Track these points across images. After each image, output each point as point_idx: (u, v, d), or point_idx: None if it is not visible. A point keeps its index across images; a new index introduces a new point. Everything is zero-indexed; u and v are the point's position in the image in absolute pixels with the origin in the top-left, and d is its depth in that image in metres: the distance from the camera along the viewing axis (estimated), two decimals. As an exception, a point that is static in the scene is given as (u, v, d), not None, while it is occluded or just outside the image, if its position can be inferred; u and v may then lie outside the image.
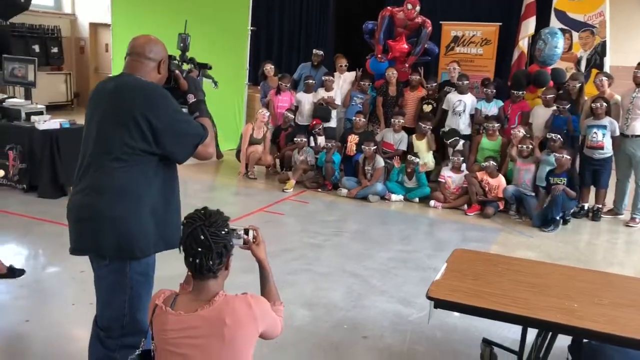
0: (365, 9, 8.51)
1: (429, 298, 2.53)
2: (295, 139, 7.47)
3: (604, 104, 6.28)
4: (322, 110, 7.88)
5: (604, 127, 6.26)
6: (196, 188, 7.27)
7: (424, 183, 6.87)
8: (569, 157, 5.98)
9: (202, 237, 1.86)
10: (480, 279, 2.72)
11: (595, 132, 6.28)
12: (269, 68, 8.50)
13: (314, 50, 8.50)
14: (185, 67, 2.73)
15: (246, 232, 2.14)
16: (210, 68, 2.87)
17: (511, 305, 2.45)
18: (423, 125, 7.07)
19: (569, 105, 6.52)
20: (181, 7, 9.63)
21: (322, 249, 5.07)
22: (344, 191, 7.00)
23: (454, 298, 2.52)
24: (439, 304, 2.54)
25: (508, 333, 3.49)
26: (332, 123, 7.96)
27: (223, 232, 1.90)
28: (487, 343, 3.26)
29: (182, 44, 2.77)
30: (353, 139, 7.28)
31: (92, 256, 2.30)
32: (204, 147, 2.38)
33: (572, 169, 6.09)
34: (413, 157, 6.78)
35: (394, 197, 6.87)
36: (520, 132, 6.54)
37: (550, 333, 2.49)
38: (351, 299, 4.07)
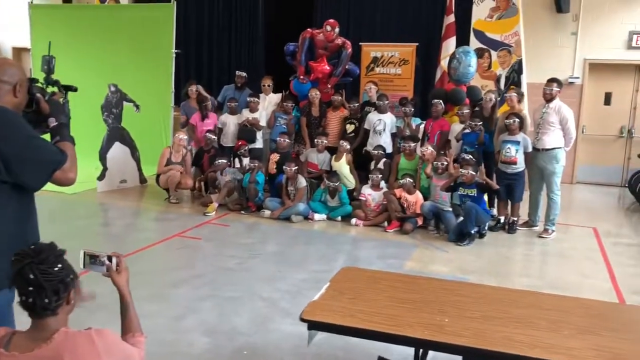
0: (296, 31, 8.55)
1: (302, 320, 2.50)
2: (215, 162, 7.39)
3: (517, 120, 6.48)
4: (246, 132, 7.85)
5: (517, 142, 6.46)
6: (114, 215, 7.07)
7: (346, 202, 6.90)
8: (473, 172, 6.12)
9: (31, 276, 1.75)
10: (358, 297, 2.71)
11: (509, 148, 6.47)
12: (193, 89, 8.43)
13: (237, 72, 8.51)
14: (50, 89, 2.63)
15: (109, 258, 2.05)
16: (75, 90, 2.75)
17: (382, 323, 2.45)
18: (341, 144, 7.18)
19: (480, 123, 6.70)
20: (103, 31, 9.51)
21: (234, 273, 4.98)
22: (267, 212, 6.95)
23: (326, 319, 2.49)
24: (313, 325, 2.50)
25: (408, 349, 3.48)
26: (258, 144, 7.94)
27: (56, 269, 1.80)
28: (382, 361, 3.25)
29: (46, 67, 2.67)
30: (274, 158, 7.28)
31: None
32: (62, 173, 2.27)
33: (482, 182, 6.22)
34: (329, 182, 6.81)
35: (317, 216, 6.87)
36: (428, 149, 6.68)
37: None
38: (255, 323, 3.99)
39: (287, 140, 7.48)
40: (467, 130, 6.73)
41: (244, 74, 8.45)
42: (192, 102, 8.32)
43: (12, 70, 2.28)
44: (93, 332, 1.82)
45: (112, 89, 8.28)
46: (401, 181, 6.54)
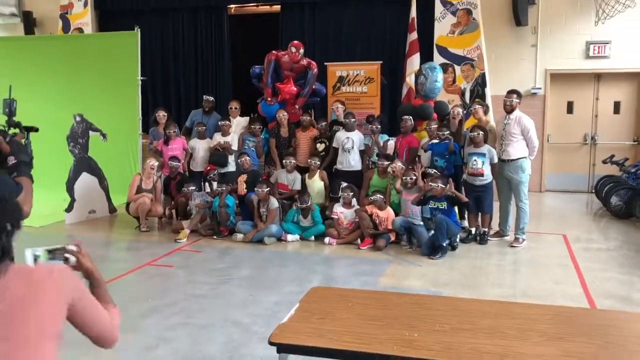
0: (261, 53, 8.56)
1: (270, 343, 2.46)
2: (183, 188, 7.31)
3: (481, 132, 6.57)
4: (218, 156, 7.79)
5: (483, 154, 6.53)
6: (83, 246, 6.89)
7: (319, 221, 6.88)
8: (443, 185, 6.16)
9: None
10: (328, 317, 2.68)
11: (475, 160, 6.54)
12: (162, 115, 8.37)
13: (205, 97, 8.52)
14: (12, 131, 2.71)
15: (67, 250, 1.94)
16: (37, 130, 2.84)
17: (351, 342, 2.42)
18: (311, 161, 7.22)
19: (448, 132, 6.77)
20: (67, 61, 9.41)
21: (206, 300, 4.90)
22: (240, 236, 6.88)
23: (296, 341, 2.45)
24: (282, 348, 2.46)
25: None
26: (231, 168, 7.85)
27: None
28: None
29: (7, 109, 2.77)
30: (242, 179, 7.21)
31: None
32: None
33: (451, 194, 6.27)
34: (300, 204, 6.80)
35: (290, 237, 6.83)
36: (398, 165, 6.72)
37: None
38: (229, 349, 3.92)
39: (248, 158, 7.41)
40: (435, 141, 6.79)
41: (212, 98, 8.46)
42: (160, 128, 8.24)
43: None
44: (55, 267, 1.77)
45: (78, 119, 8.18)
46: (372, 198, 6.55)
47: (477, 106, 7.07)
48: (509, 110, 6.58)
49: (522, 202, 6.56)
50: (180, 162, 7.69)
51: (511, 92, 6.68)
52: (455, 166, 6.91)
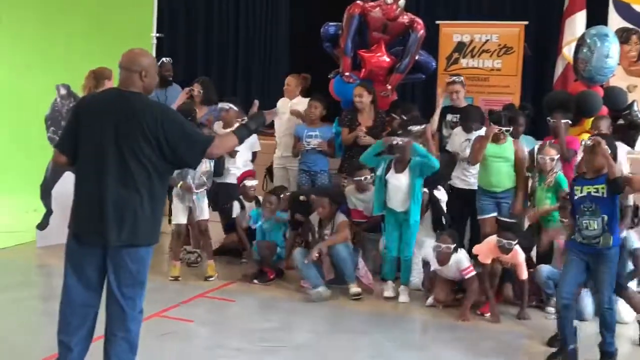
0: (337, 5, 8.54)
1: None
2: None
3: None
4: None
5: None
6: (60, 284, 7.07)
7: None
8: None
9: None
10: None
11: None
12: (197, 91, 8.35)
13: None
14: None
15: None
16: None
17: None
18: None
19: None
20: (49, 12, 9.75)
21: (243, 377, 4.95)
22: (322, 290, 6.68)
23: None
24: None
25: None
26: (230, 178, 7.89)
27: None
28: None
29: None
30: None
31: None
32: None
33: None
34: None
35: (386, 290, 6.82)
36: (551, 158, 6.55)
37: None
38: None
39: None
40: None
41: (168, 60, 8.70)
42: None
43: (139, 59, 3.95)
44: None
45: (63, 91, 8.36)
46: (498, 239, 6.32)
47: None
48: None
49: None
50: None
51: None
52: None
